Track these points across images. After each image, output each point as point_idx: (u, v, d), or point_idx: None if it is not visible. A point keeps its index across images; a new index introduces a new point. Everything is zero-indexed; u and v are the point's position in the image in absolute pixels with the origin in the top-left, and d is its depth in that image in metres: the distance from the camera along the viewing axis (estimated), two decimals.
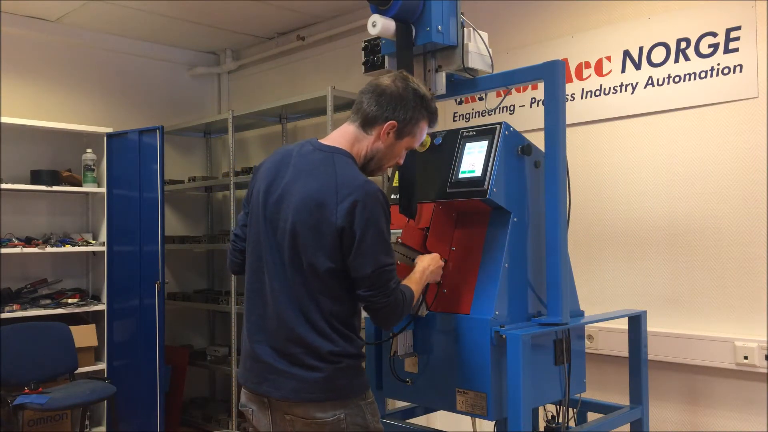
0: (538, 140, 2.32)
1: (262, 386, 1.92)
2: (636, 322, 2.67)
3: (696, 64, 3.04)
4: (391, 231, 2.18)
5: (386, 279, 1.85)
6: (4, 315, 4.13)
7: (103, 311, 4.57)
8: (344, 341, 1.88)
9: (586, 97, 3.41)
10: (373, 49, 2.47)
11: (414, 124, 1.97)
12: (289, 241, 1.87)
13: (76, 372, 4.27)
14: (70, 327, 4.29)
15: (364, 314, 2.01)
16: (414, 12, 2.26)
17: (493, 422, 2.35)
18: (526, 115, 3.61)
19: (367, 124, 1.95)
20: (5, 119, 4.27)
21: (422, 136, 2.03)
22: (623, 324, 2.77)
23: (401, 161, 2.05)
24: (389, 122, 1.93)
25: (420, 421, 2.74)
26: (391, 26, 2.24)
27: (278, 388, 1.88)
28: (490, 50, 2.45)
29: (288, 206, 1.89)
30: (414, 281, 2.06)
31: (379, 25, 2.22)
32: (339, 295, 1.88)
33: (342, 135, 1.98)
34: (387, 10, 2.23)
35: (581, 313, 2.56)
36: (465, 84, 2.45)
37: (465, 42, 2.36)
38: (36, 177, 4.45)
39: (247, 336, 1.99)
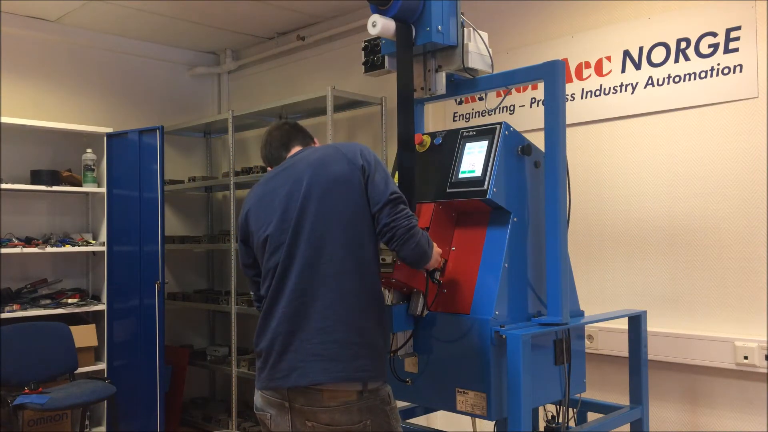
0: (538, 140, 2.32)
1: (289, 379, 1.89)
2: (636, 322, 2.67)
3: (696, 64, 3.04)
4: None
5: (403, 206, 1.97)
6: (4, 315, 4.13)
7: (103, 311, 4.57)
8: (376, 317, 1.95)
9: (586, 97, 3.41)
10: (373, 49, 2.47)
11: None
12: (320, 212, 1.95)
13: (76, 372, 4.27)
14: (70, 327, 4.29)
15: None
16: (414, 12, 2.26)
17: (493, 422, 2.36)
18: (526, 115, 3.61)
19: (307, 142, 2.24)
20: (5, 119, 4.27)
21: None
22: (623, 324, 2.77)
23: None
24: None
25: (420, 421, 2.74)
26: (391, 26, 2.24)
27: (306, 374, 1.86)
28: (490, 50, 2.45)
29: (302, 186, 1.98)
30: None
31: (379, 25, 2.21)
32: (377, 259, 2.00)
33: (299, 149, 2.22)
34: (387, 10, 2.23)
35: (581, 313, 2.56)
36: (465, 84, 2.45)
37: (465, 42, 2.36)
38: (36, 177, 4.45)
39: (272, 339, 1.96)
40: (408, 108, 2.26)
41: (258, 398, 2.02)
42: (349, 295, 1.90)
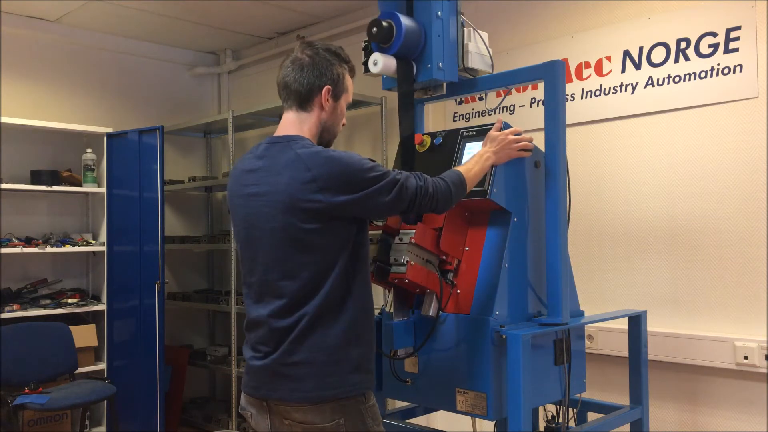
0: (538, 140, 2.32)
1: (260, 391, 1.90)
2: (636, 322, 2.67)
3: (696, 64, 3.04)
4: (404, 231, 2.16)
5: (406, 188, 1.87)
6: (4, 315, 4.13)
7: (103, 311, 4.57)
8: (344, 331, 1.85)
9: (586, 97, 3.41)
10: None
11: (342, 79, 1.96)
12: (283, 235, 1.84)
13: (76, 372, 4.27)
14: (70, 327, 4.29)
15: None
16: (415, 49, 2.26)
17: (493, 422, 2.36)
18: (526, 115, 3.61)
19: (303, 102, 1.93)
20: (5, 119, 4.27)
21: (352, 88, 2.03)
22: (623, 324, 2.77)
23: (345, 120, 2.05)
24: (324, 88, 1.92)
25: (420, 421, 2.74)
26: (393, 64, 2.24)
27: (275, 390, 1.86)
28: (490, 50, 2.45)
29: (269, 205, 1.86)
30: (467, 164, 2.10)
31: (381, 63, 2.22)
32: (342, 276, 1.85)
33: (286, 125, 1.95)
34: (388, 48, 2.23)
35: (581, 313, 2.56)
36: (465, 84, 2.45)
37: (465, 42, 2.36)
38: (36, 177, 4.45)
39: (246, 342, 1.99)
40: (408, 108, 2.26)
41: (242, 397, 2.03)
42: (315, 319, 1.83)
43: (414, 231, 2.15)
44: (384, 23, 2.22)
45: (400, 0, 2.30)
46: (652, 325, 2.98)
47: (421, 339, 2.26)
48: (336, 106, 1.97)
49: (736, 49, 2.93)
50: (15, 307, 4.22)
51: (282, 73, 1.95)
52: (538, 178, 2.37)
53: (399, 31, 2.21)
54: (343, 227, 1.84)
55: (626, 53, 3.26)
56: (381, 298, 2.64)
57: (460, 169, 2.07)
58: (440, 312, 2.20)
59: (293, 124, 1.94)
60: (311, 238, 1.82)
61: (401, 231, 2.17)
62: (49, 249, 4.37)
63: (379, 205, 1.84)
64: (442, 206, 1.97)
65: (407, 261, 2.09)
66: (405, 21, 2.23)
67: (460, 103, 3.92)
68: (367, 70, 2.49)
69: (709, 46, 3.00)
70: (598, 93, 3.37)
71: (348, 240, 1.86)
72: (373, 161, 1.88)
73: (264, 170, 1.89)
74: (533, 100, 3.60)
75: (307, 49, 1.94)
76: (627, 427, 2.64)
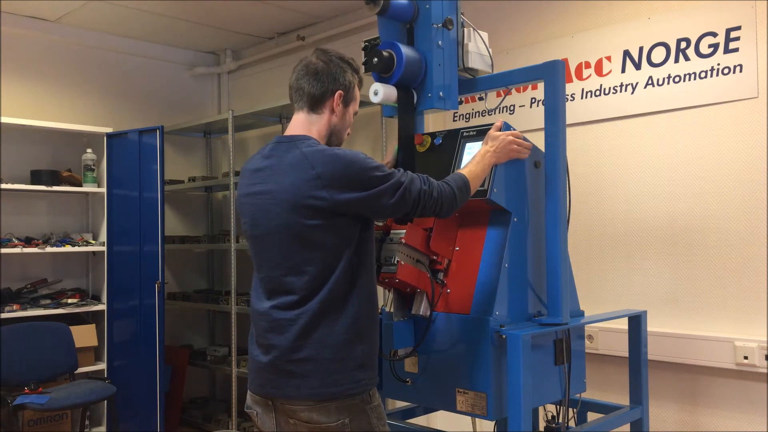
0: (538, 140, 2.32)
1: (265, 388, 1.91)
2: (636, 322, 2.67)
3: (696, 64, 3.04)
4: (394, 231, 2.17)
5: (410, 191, 1.88)
6: (4, 315, 4.13)
7: (103, 311, 4.57)
8: (348, 328, 1.85)
9: (586, 97, 3.41)
10: (373, 48, 2.47)
11: (352, 87, 2.03)
12: (288, 232, 1.85)
13: (76, 372, 4.27)
14: (70, 327, 4.29)
15: None
16: (416, 78, 2.26)
17: (493, 422, 2.36)
18: (526, 115, 3.61)
19: (315, 104, 1.98)
20: (5, 119, 4.27)
21: (359, 98, 2.08)
22: (623, 324, 2.77)
23: (350, 130, 2.09)
24: (337, 92, 1.97)
25: (420, 421, 2.74)
26: (393, 94, 2.25)
27: (280, 387, 1.87)
28: (490, 50, 2.45)
29: (274, 203, 1.87)
30: (468, 166, 2.11)
31: (381, 93, 2.23)
32: (347, 272, 1.86)
33: (296, 126, 1.99)
34: (389, 77, 2.23)
35: (581, 313, 2.56)
36: (465, 84, 2.45)
37: (465, 42, 2.36)
38: (36, 177, 4.45)
39: (250, 339, 2.00)
40: (408, 108, 2.27)
41: (248, 396, 2.04)
42: (319, 315, 1.84)
43: (404, 231, 2.16)
44: (385, 53, 2.22)
45: (401, 29, 2.30)
46: (652, 325, 2.98)
47: (419, 339, 2.26)
48: (345, 112, 2.02)
49: (736, 49, 2.93)
50: (15, 307, 4.22)
51: (295, 76, 2.00)
52: (538, 178, 2.37)
53: (400, 61, 2.21)
54: (348, 224, 1.85)
55: (626, 53, 3.26)
56: (381, 298, 2.64)
57: (464, 171, 2.08)
58: (431, 311, 2.22)
59: (303, 124, 1.98)
60: (315, 235, 1.83)
61: (392, 231, 2.18)
62: (49, 249, 4.37)
63: (382, 207, 1.86)
64: (446, 211, 1.98)
65: (398, 261, 2.10)
66: (406, 51, 2.22)
67: (460, 103, 3.91)
68: (367, 69, 2.50)
69: (709, 46, 3.00)
70: (598, 93, 3.37)
71: (352, 237, 1.87)
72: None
73: (270, 169, 1.92)
74: (533, 100, 3.60)
75: (321, 55, 1.99)
76: (627, 427, 2.64)
